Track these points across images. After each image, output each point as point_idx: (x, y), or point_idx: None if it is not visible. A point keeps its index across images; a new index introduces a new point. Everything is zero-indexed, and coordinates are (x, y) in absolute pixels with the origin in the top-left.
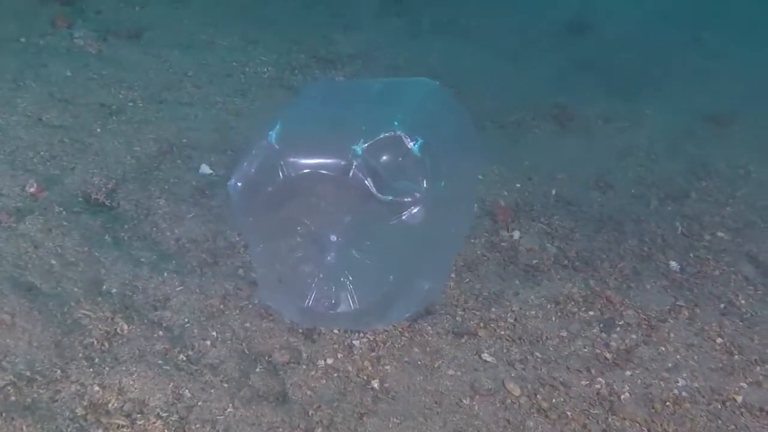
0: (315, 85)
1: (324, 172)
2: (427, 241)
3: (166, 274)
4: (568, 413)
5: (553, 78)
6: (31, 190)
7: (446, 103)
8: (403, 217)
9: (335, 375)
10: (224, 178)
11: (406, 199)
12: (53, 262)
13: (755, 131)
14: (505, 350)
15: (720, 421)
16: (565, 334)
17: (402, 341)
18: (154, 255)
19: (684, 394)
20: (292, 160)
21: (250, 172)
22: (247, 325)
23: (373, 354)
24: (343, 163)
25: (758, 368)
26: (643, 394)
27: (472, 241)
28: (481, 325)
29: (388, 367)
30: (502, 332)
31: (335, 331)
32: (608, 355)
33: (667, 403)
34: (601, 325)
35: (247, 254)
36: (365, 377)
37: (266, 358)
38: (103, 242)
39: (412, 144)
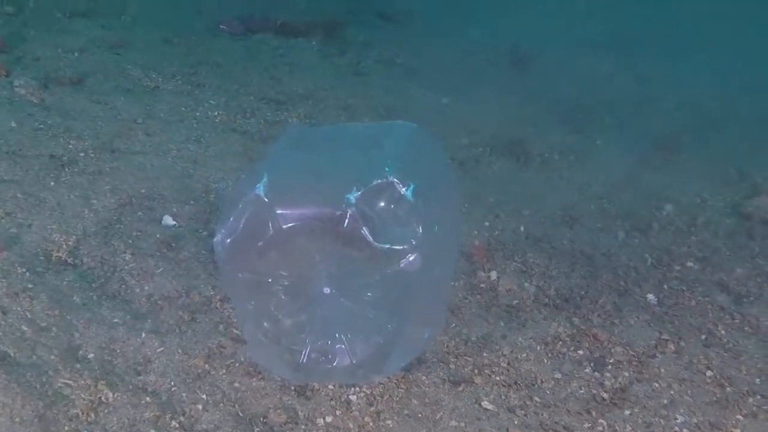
0: (292, 132)
1: (316, 222)
2: (423, 287)
3: (144, 335)
4: None
5: (501, 112)
6: None
7: (427, 144)
8: (401, 265)
9: None
10: (189, 230)
11: (403, 247)
12: (25, 328)
13: (703, 157)
14: (503, 396)
15: None
16: (559, 375)
17: (399, 393)
18: (128, 315)
19: (685, 431)
20: (282, 212)
21: (238, 227)
22: (237, 384)
23: (372, 408)
24: (336, 212)
25: (751, 399)
26: None
27: (453, 283)
28: (476, 371)
29: (389, 422)
30: (498, 378)
31: (330, 386)
32: (605, 395)
33: None
34: (592, 365)
35: (225, 309)
36: None
37: (262, 419)
38: (73, 304)
39: (404, 190)
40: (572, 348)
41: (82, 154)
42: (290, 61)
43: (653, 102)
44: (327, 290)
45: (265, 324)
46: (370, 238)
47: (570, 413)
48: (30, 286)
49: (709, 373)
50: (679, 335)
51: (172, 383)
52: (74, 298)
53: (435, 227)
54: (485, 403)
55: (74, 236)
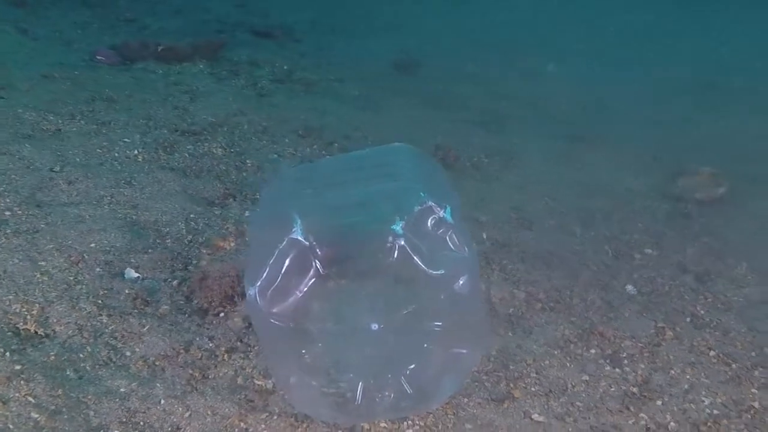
0: (295, 169)
1: (363, 259)
2: (473, 307)
3: (162, 401)
4: None
5: (417, 119)
6: None
7: (428, 163)
8: (455, 289)
9: None
10: (157, 281)
11: (454, 270)
12: (35, 415)
13: (615, 147)
14: (546, 406)
15: (758, 430)
16: (586, 377)
17: (451, 420)
18: (132, 382)
19: (716, 411)
20: (326, 253)
21: (276, 275)
22: None
23: None
24: (386, 245)
25: (757, 372)
26: (685, 421)
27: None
28: (512, 385)
29: None
30: (533, 389)
31: (382, 424)
32: (634, 390)
33: (709, 424)
34: (608, 361)
35: (234, 361)
36: None
37: None
38: (70, 379)
39: (442, 212)
40: (585, 348)
41: (8, 213)
42: (187, 88)
43: (547, 99)
44: (375, 326)
45: (308, 369)
46: (423, 266)
47: (612, 412)
48: (18, 367)
49: (711, 353)
50: (671, 321)
51: None
52: (67, 372)
53: (472, 244)
54: (535, 416)
55: (36, 304)
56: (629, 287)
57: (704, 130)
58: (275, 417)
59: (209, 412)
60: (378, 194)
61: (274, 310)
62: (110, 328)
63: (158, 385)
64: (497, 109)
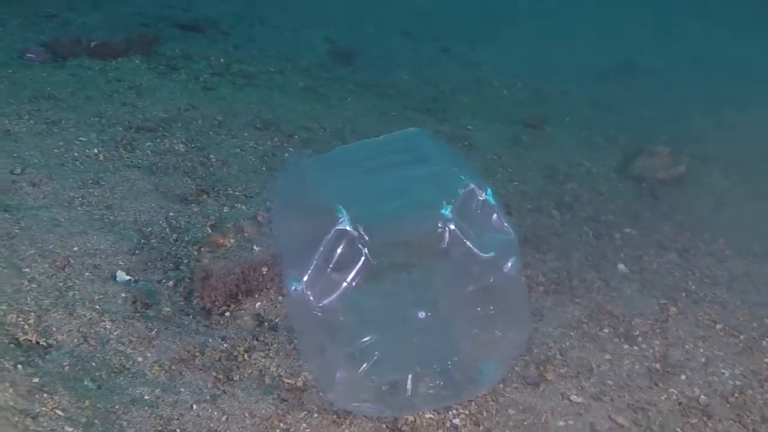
0: (313, 159)
1: (413, 246)
2: (518, 288)
3: (195, 407)
4: (679, 430)
5: (363, 108)
6: None
7: (448, 147)
8: (504, 271)
9: None
10: (151, 282)
11: (503, 252)
12: (69, 429)
13: (565, 130)
14: (580, 387)
15: None
16: (608, 356)
17: (493, 407)
18: (155, 388)
19: (738, 382)
20: (376, 241)
21: (325, 267)
22: None
23: (482, 428)
24: (436, 230)
25: (764, 342)
26: (713, 393)
27: None
28: (542, 369)
29: None
30: (562, 370)
31: (428, 415)
32: (657, 366)
33: (736, 395)
34: (623, 340)
35: (255, 360)
36: None
37: None
38: (89, 389)
39: (483, 194)
40: (598, 328)
41: None
42: (130, 84)
43: (486, 84)
44: (422, 315)
45: (356, 362)
46: (476, 250)
47: (642, 389)
48: (36, 380)
49: (717, 326)
50: (670, 297)
51: None
52: (85, 382)
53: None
54: (573, 398)
55: (32, 313)
56: (621, 266)
57: (646, 111)
58: (315, 415)
59: (246, 414)
60: (416, 179)
61: (323, 303)
62: (115, 333)
63: (182, 390)
64: (438, 96)
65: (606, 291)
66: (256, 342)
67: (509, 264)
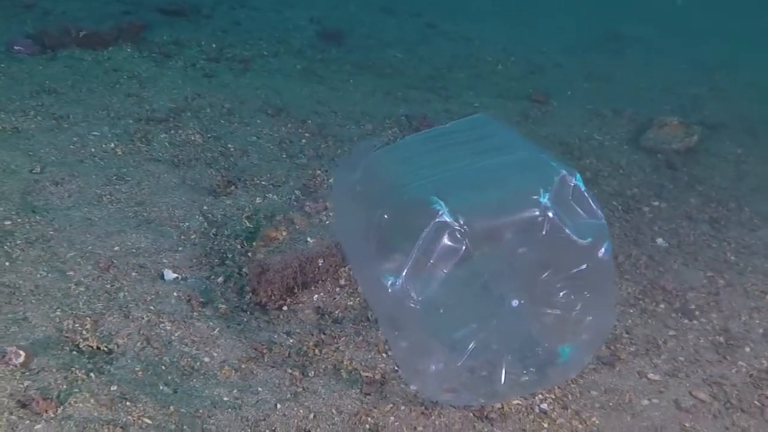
0: (385, 151)
1: (514, 235)
2: (609, 272)
3: (278, 406)
4: (756, 402)
5: (367, 89)
6: (20, 360)
7: (517, 131)
8: (600, 255)
9: None
10: (200, 279)
11: (598, 237)
12: None
13: (570, 103)
14: (653, 364)
15: None
16: (672, 332)
17: (576, 389)
18: (232, 389)
19: None
20: (477, 232)
21: (427, 260)
22: (421, 429)
23: (570, 411)
24: (537, 219)
25: None
26: None
27: None
28: (611, 348)
29: (594, 419)
30: (632, 348)
31: (515, 401)
32: (720, 339)
33: None
34: (681, 314)
35: (326, 354)
36: None
37: None
38: (167, 394)
39: (574, 180)
40: (654, 303)
41: (8, 222)
42: (129, 74)
43: (480, 60)
44: (515, 303)
45: (452, 355)
46: (574, 237)
47: (712, 363)
48: (114, 388)
49: (767, 297)
50: (715, 269)
51: None
52: (161, 387)
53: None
54: (650, 375)
55: (87, 318)
56: (659, 240)
57: (642, 82)
58: (402, 407)
59: (334, 411)
60: (505, 167)
61: (422, 297)
62: (176, 334)
63: (260, 389)
64: (435, 74)
65: (653, 266)
66: (323, 336)
67: (603, 249)
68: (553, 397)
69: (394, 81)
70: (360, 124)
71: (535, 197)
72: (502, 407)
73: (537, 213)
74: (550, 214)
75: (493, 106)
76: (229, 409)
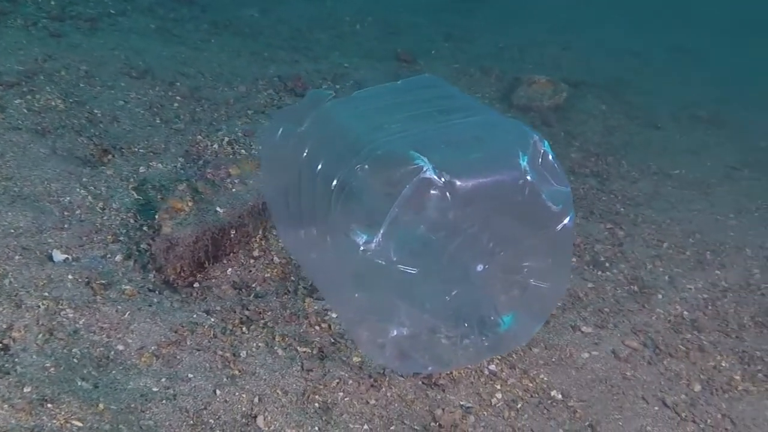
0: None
1: (494, 197)
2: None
3: (218, 392)
4: (681, 346)
5: (228, 50)
6: None
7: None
8: (566, 223)
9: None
10: (95, 259)
11: (567, 204)
12: None
13: (434, 62)
14: (582, 317)
15: (744, 304)
16: (591, 285)
17: (519, 348)
18: (158, 378)
19: (704, 296)
20: (461, 190)
21: (404, 217)
22: (374, 402)
23: (518, 370)
24: (518, 182)
25: (707, 255)
26: (692, 308)
27: None
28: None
29: (543, 376)
30: (558, 303)
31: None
32: (635, 287)
33: (709, 308)
34: (593, 266)
35: (253, 331)
36: (541, 392)
37: (433, 424)
38: (89, 390)
39: (544, 146)
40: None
41: None
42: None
43: (338, 20)
44: (480, 267)
45: (414, 321)
46: (549, 203)
47: (634, 312)
48: (28, 390)
49: (664, 245)
50: (611, 221)
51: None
52: (78, 383)
53: None
54: (584, 328)
55: None
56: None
57: (500, 42)
58: (350, 381)
59: (279, 392)
60: (479, 128)
61: (397, 257)
62: (81, 322)
63: (191, 376)
64: (296, 35)
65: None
66: (247, 312)
67: (568, 218)
68: (499, 359)
69: (257, 42)
70: (232, 86)
71: (516, 160)
72: (451, 373)
73: (519, 176)
74: (529, 178)
75: (363, 66)
76: (164, 401)
